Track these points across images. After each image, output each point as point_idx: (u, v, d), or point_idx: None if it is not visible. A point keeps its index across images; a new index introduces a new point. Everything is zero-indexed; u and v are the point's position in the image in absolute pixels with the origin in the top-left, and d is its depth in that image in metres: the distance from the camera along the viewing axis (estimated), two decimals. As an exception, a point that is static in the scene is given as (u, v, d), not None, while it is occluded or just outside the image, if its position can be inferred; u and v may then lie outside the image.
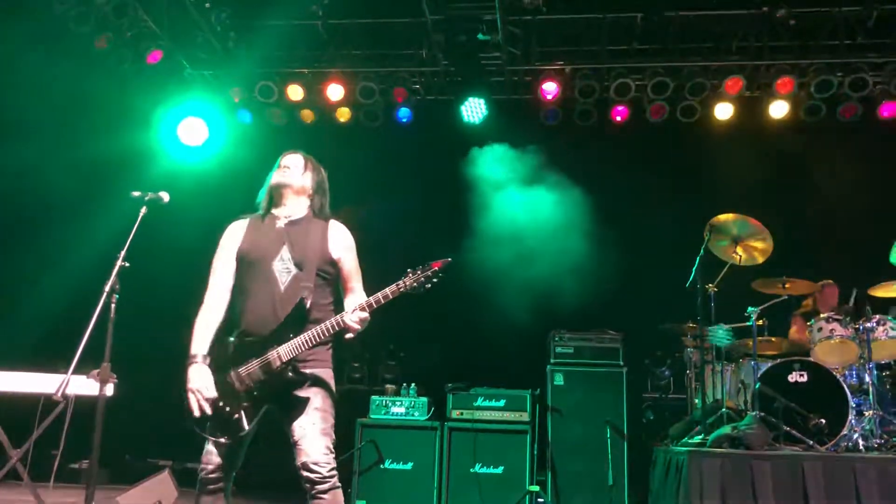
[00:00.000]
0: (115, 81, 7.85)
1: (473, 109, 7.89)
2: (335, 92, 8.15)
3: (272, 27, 7.79)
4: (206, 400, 3.33)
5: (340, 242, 3.62)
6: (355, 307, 3.35)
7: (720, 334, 6.45)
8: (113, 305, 3.70)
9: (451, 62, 7.87)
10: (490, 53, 7.83)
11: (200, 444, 3.45)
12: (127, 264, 3.74)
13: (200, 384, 3.35)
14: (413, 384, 7.02)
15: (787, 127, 8.01)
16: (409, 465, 6.60)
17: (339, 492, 3.33)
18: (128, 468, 7.48)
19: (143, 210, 3.92)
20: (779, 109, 7.94)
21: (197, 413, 3.32)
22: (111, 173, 7.34)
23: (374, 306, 3.34)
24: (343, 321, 3.33)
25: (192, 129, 8.29)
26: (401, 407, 6.81)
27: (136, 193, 3.96)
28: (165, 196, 3.99)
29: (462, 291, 7.71)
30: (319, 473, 3.28)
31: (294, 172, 3.67)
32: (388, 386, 7.16)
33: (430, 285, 3.29)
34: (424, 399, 6.83)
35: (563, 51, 8.00)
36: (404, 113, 8.35)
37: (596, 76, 7.98)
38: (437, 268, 3.28)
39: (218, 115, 8.41)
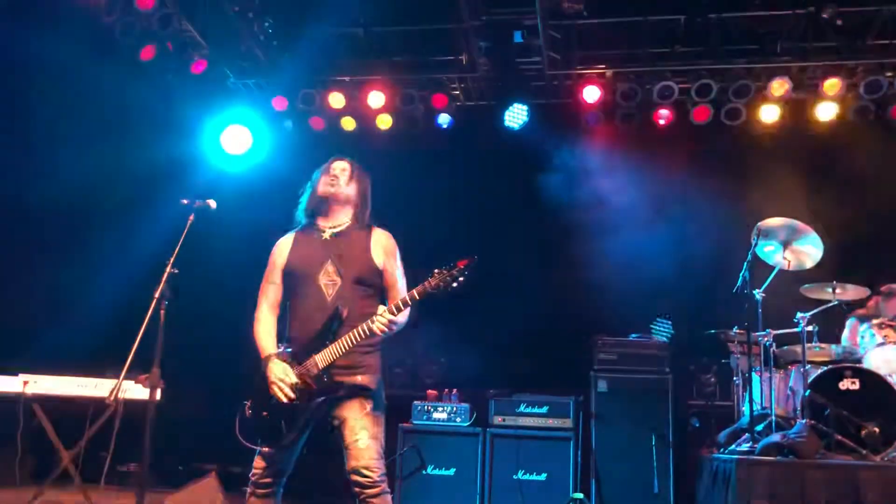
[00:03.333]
0: (160, 91, 7.98)
1: (515, 115, 7.88)
2: (376, 99, 8.19)
3: (314, 35, 7.85)
4: (289, 385, 3.38)
5: (384, 250, 3.64)
6: (383, 310, 3.35)
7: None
8: (162, 312, 3.77)
9: (491, 67, 7.87)
10: (531, 58, 7.81)
11: (246, 448, 3.49)
12: (176, 271, 3.81)
13: (281, 374, 3.42)
14: (455, 390, 7.01)
15: (835, 129, 7.83)
16: (452, 471, 6.59)
17: (389, 497, 3.35)
18: (175, 471, 7.58)
19: (191, 217, 3.99)
20: (826, 111, 7.76)
21: (285, 400, 3.37)
22: (157, 182, 7.46)
23: (402, 308, 3.34)
24: (370, 327, 3.33)
25: (235, 138, 8.40)
26: (443, 412, 6.81)
27: (185, 201, 4.03)
28: (213, 204, 4.05)
29: (504, 296, 7.69)
30: (370, 478, 3.31)
31: (341, 182, 3.70)
32: (429, 391, 7.16)
33: (456, 284, 3.25)
34: (466, 405, 6.82)
35: (604, 54, 7.94)
36: (445, 119, 8.36)
37: (638, 79, 7.90)
38: (462, 266, 3.25)
39: (261, 124, 8.51)
